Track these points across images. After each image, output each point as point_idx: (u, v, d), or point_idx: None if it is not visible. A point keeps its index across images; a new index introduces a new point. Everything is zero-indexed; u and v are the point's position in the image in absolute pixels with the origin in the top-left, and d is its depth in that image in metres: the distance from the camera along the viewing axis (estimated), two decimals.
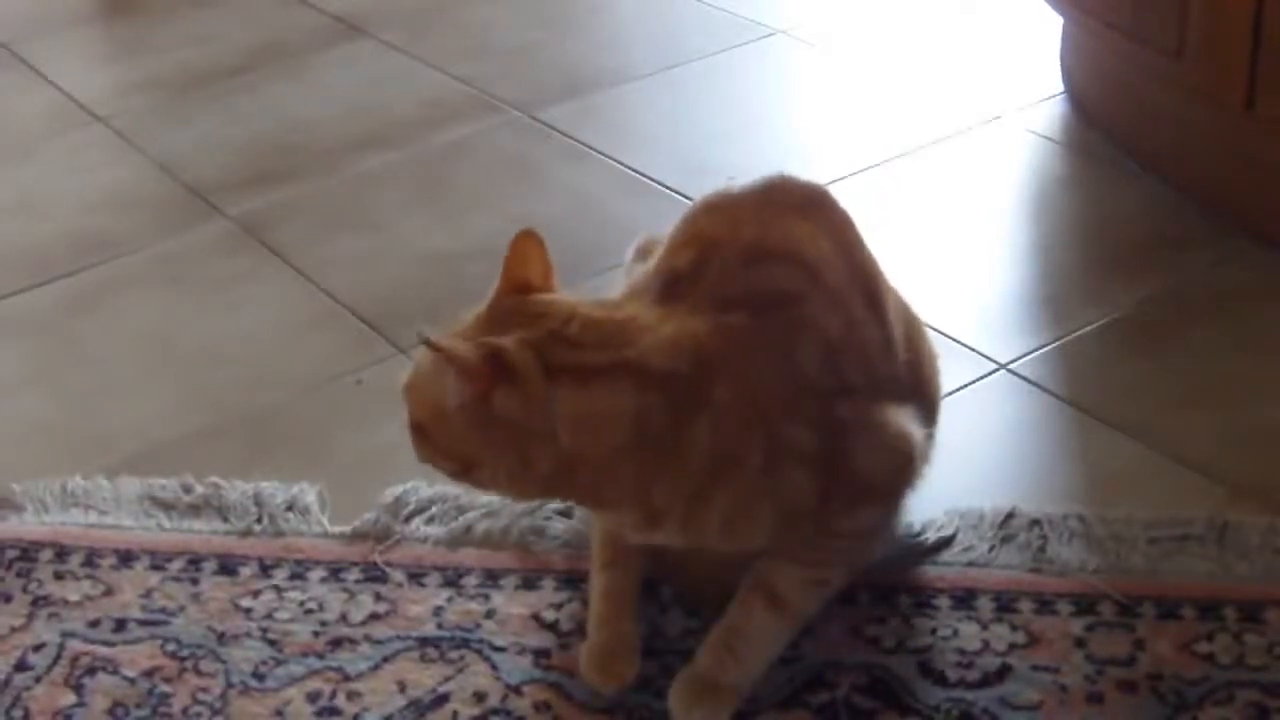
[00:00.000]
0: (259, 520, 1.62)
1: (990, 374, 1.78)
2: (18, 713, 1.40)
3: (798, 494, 1.33)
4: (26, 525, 1.63)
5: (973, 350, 1.81)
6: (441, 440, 1.31)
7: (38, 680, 1.43)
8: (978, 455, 1.66)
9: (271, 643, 1.46)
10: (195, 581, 1.54)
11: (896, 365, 1.42)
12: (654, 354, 1.28)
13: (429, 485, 1.63)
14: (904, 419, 1.39)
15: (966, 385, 1.76)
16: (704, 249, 1.37)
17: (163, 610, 1.51)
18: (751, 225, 1.38)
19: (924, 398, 1.47)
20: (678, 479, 1.29)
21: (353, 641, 1.45)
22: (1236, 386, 1.72)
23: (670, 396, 1.28)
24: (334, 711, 1.38)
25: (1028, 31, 2.55)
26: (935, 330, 1.82)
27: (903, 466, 1.40)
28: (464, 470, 1.32)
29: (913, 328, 1.50)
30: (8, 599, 1.53)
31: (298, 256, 2.14)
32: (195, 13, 2.99)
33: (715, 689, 1.34)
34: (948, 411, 1.69)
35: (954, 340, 1.83)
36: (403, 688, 1.40)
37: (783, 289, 1.34)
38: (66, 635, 1.48)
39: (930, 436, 1.46)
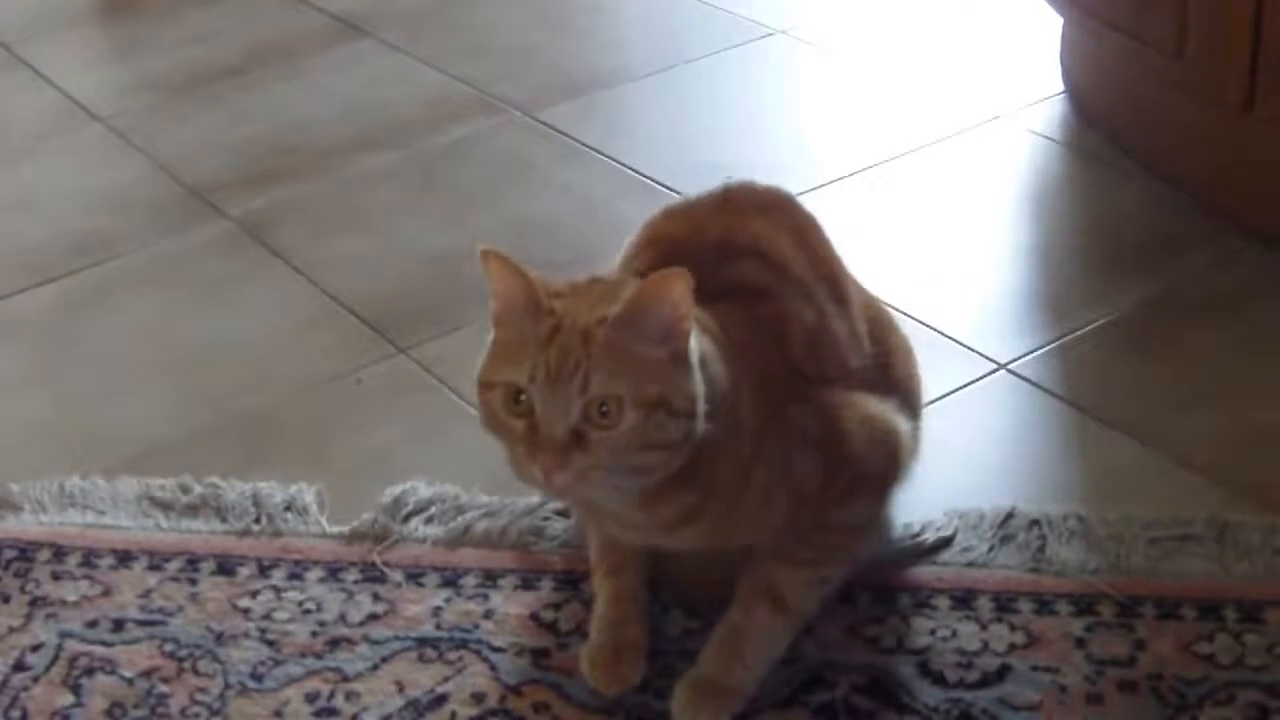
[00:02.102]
0: (257, 520, 1.61)
1: (990, 374, 1.78)
2: (16, 713, 1.40)
3: (806, 478, 1.34)
4: (24, 525, 1.63)
5: (973, 350, 1.81)
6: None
7: (36, 680, 1.43)
8: (978, 455, 1.65)
9: (270, 643, 1.46)
10: (193, 582, 1.54)
11: (865, 359, 1.44)
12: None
13: (427, 485, 1.63)
14: (887, 410, 1.42)
15: (966, 385, 1.76)
16: (666, 249, 1.38)
17: (161, 610, 1.50)
18: (714, 225, 1.39)
19: (899, 392, 1.48)
20: (736, 455, 1.29)
21: (351, 642, 1.45)
22: (1236, 386, 1.72)
23: None
24: (332, 712, 1.38)
25: (1028, 31, 2.55)
26: (935, 330, 1.82)
27: (890, 457, 1.42)
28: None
29: (879, 324, 1.51)
30: (5, 599, 1.53)
31: (298, 256, 2.14)
32: (195, 13, 2.99)
33: (720, 691, 1.34)
34: (948, 411, 1.69)
35: (954, 340, 1.83)
36: (401, 688, 1.40)
37: (756, 283, 1.36)
38: (64, 635, 1.48)
39: (916, 430, 1.47)
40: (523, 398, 1.22)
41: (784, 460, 1.32)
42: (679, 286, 1.21)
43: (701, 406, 1.24)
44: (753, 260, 1.38)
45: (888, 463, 1.41)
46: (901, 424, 1.43)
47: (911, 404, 1.50)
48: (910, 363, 1.54)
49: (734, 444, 1.28)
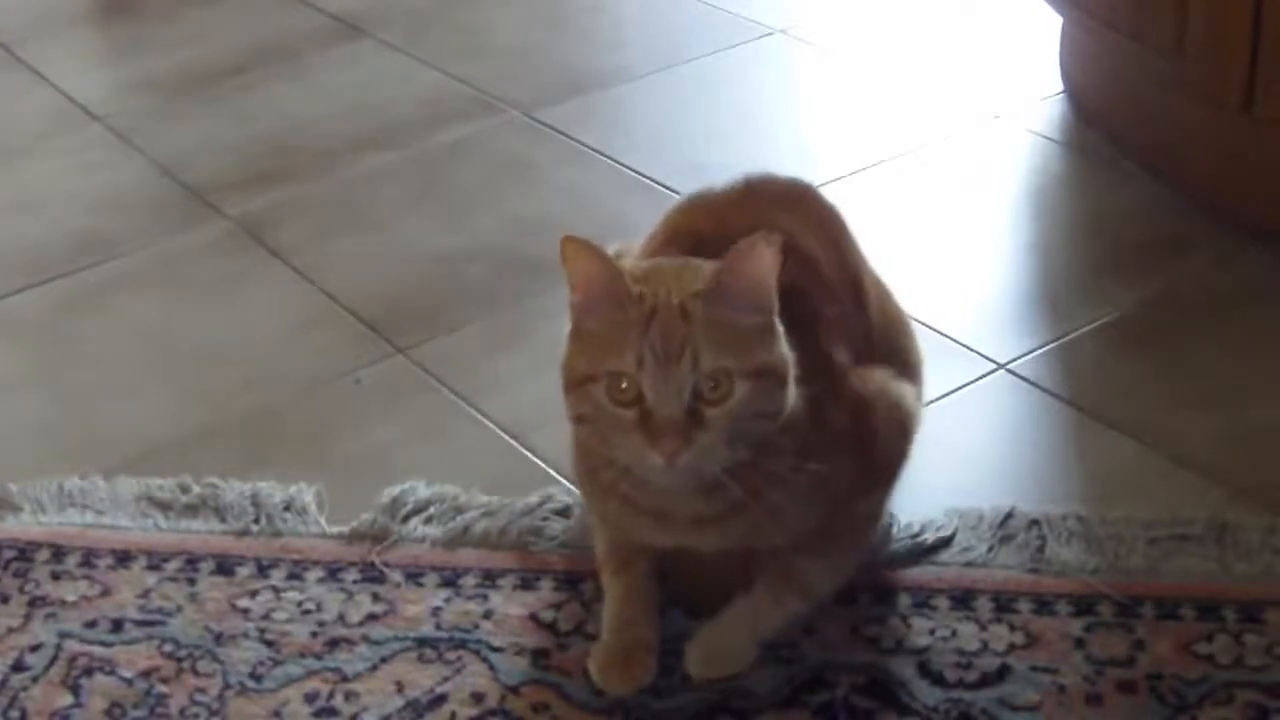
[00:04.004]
0: (256, 520, 1.61)
1: (990, 374, 1.78)
2: (15, 713, 1.39)
3: (842, 478, 1.35)
4: (24, 525, 1.63)
5: (972, 350, 1.81)
6: None
7: (35, 681, 1.43)
8: (977, 455, 1.65)
9: (269, 643, 1.45)
10: (192, 582, 1.54)
11: (878, 358, 1.45)
12: None
13: (427, 485, 1.62)
14: (906, 393, 1.45)
15: (966, 385, 1.76)
16: (691, 245, 1.37)
17: (160, 610, 1.50)
18: (739, 220, 1.38)
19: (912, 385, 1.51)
20: (792, 445, 1.30)
21: (350, 642, 1.45)
22: (1236, 386, 1.72)
23: None
24: (331, 712, 1.38)
25: (1028, 31, 2.55)
26: (935, 330, 1.82)
27: (907, 447, 1.45)
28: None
29: (891, 320, 1.52)
30: (5, 599, 1.53)
31: (297, 256, 2.14)
32: (195, 13, 2.99)
33: (732, 654, 1.37)
34: (948, 411, 1.69)
35: (954, 340, 1.82)
36: (400, 688, 1.39)
37: (791, 279, 1.36)
38: (63, 636, 1.48)
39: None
40: (625, 386, 1.22)
41: (824, 459, 1.33)
42: (769, 253, 1.23)
43: (793, 373, 1.26)
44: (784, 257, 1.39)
45: (904, 454, 1.45)
46: (917, 408, 1.47)
47: (919, 398, 1.52)
48: (918, 362, 1.55)
49: (790, 437, 1.29)
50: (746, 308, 1.24)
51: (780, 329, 1.26)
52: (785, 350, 1.26)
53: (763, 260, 1.23)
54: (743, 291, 1.24)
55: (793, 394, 1.27)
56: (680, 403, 1.22)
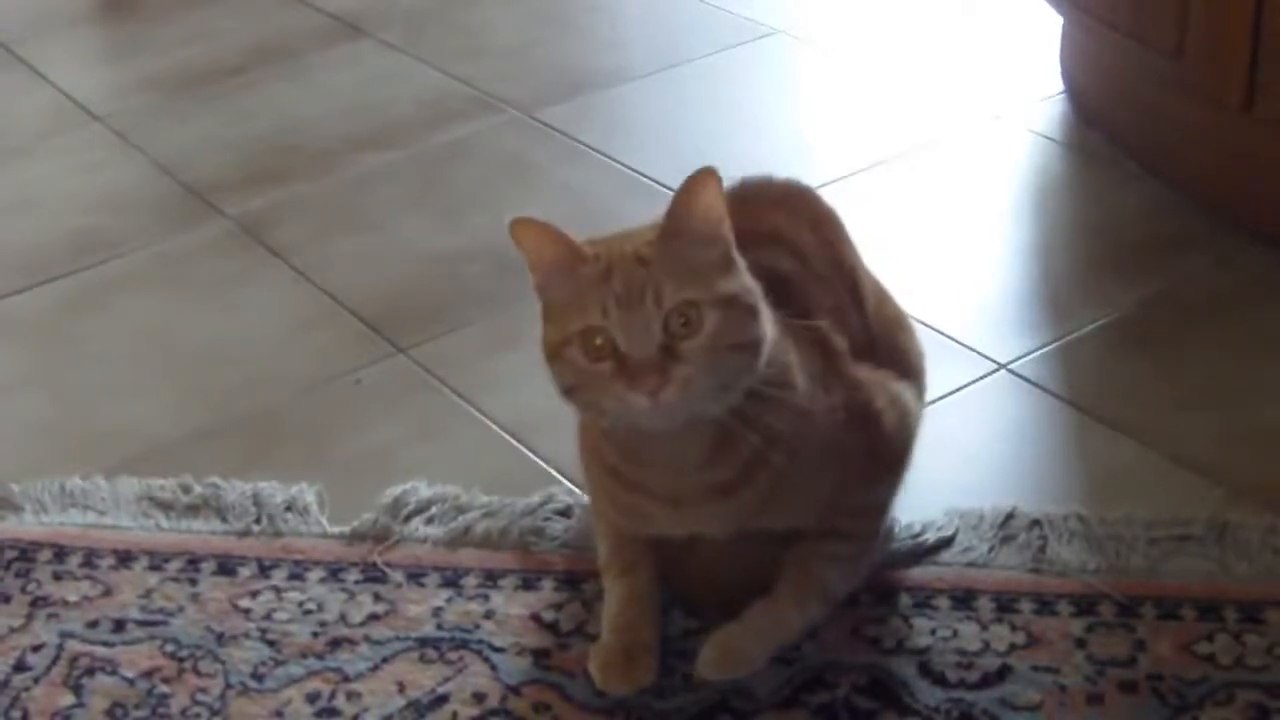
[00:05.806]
0: (258, 520, 1.61)
1: (990, 374, 1.78)
2: (16, 713, 1.40)
3: (850, 452, 1.36)
4: (25, 525, 1.63)
5: (973, 350, 1.81)
6: None
7: (36, 681, 1.43)
8: (978, 455, 1.65)
9: (270, 643, 1.46)
10: (194, 582, 1.54)
11: (878, 357, 1.46)
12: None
13: (428, 485, 1.63)
14: (905, 391, 1.45)
15: (966, 385, 1.76)
16: None
17: (161, 611, 1.50)
18: (735, 222, 1.39)
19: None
20: (791, 406, 1.31)
21: (352, 642, 1.45)
22: (1236, 387, 1.72)
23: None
24: (333, 712, 1.38)
25: (1028, 31, 2.55)
26: (935, 330, 1.82)
27: (910, 439, 1.45)
28: None
29: (892, 323, 1.53)
30: (6, 599, 1.53)
31: (297, 256, 2.14)
32: (194, 12, 2.99)
33: (744, 657, 1.37)
34: (948, 411, 1.70)
35: (954, 340, 1.83)
36: (402, 688, 1.40)
37: (781, 270, 1.37)
38: (65, 636, 1.48)
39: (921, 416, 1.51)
40: (599, 340, 1.23)
41: (831, 429, 1.34)
42: (711, 183, 1.24)
43: (763, 305, 1.27)
44: (777, 249, 1.40)
45: (908, 444, 1.45)
46: (917, 407, 1.48)
47: (921, 395, 1.53)
48: (919, 359, 1.56)
49: (788, 396, 1.30)
50: (701, 241, 1.25)
51: (740, 261, 1.28)
52: (749, 280, 1.27)
53: (708, 191, 1.24)
54: (695, 226, 1.25)
55: (767, 326, 1.27)
56: (652, 341, 1.22)
